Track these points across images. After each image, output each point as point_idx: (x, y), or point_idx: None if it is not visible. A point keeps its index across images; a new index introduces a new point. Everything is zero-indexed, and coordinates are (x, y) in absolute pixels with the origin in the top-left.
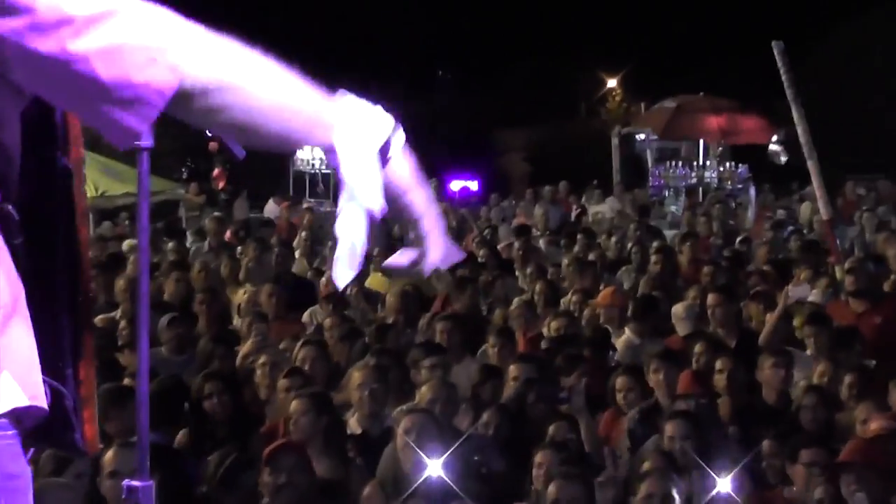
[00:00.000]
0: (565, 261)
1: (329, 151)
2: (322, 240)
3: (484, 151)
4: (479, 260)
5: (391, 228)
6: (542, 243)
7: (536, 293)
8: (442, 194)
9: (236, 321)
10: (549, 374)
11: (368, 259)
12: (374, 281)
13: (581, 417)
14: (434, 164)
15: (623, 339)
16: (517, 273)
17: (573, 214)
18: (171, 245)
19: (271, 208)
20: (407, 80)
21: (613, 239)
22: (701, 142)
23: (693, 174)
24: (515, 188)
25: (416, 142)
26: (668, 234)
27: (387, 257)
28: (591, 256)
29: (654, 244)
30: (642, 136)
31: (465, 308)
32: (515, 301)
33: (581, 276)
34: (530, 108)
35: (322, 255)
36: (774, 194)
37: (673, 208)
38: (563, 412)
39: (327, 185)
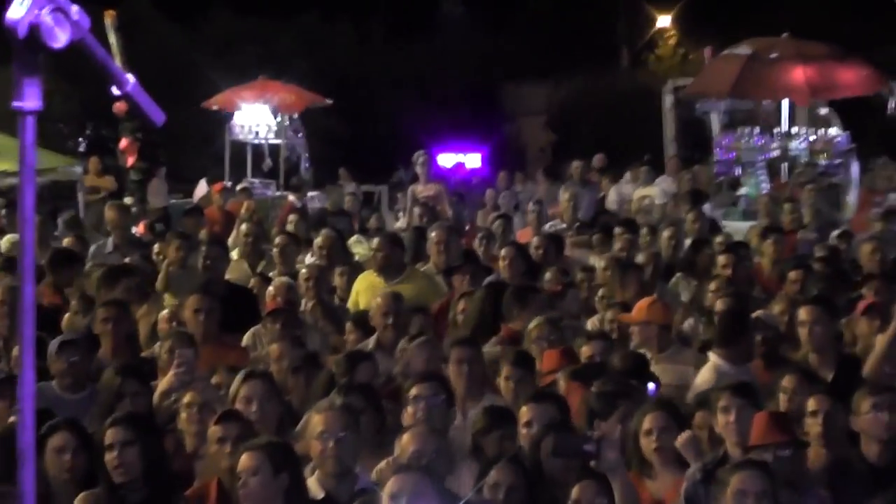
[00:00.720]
0: (600, 263)
1: None
2: (269, 234)
3: (490, 114)
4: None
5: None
6: (567, 241)
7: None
8: (429, 173)
9: (154, 347)
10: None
11: (331, 256)
12: (360, 285)
13: (615, 477)
14: (423, 131)
15: (710, 365)
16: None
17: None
18: (65, 241)
19: (202, 191)
20: (398, 14)
21: (666, 234)
22: (785, 102)
23: (774, 145)
24: (532, 165)
25: (401, 100)
26: (741, 226)
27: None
28: (637, 258)
29: (718, 240)
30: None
31: (470, 327)
32: (535, 319)
33: (622, 284)
34: (553, 55)
35: (269, 255)
36: (888, 172)
37: (746, 191)
38: (592, 469)
39: (276, 161)
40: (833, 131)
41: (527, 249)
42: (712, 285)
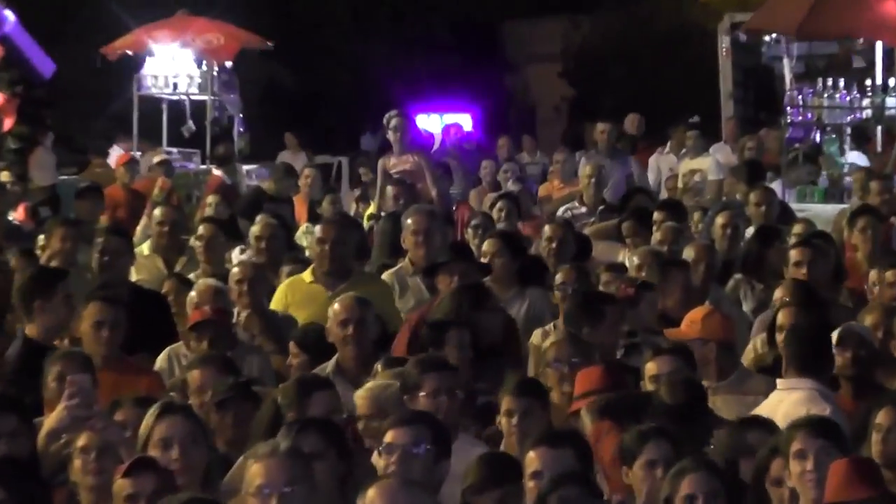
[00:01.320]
0: (633, 260)
1: None
2: (190, 222)
3: (487, 61)
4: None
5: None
6: (588, 231)
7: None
8: (406, 140)
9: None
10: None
11: (273, 251)
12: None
13: None
14: (397, 85)
15: (781, 397)
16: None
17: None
18: None
19: (102, 164)
20: None
21: (721, 220)
22: (878, 45)
23: (865, 102)
24: (543, 129)
25: (368, 43)
26: (823, 210)
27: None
28: (684, 253)
29: (795, 230)
30: (772, 36)
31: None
32: (552, 334)
33: (663, 288)
34: None
35: (190, 249)
36: None
37: (829, 164)
38: None
39: (200, 124)
40: None
41: (520, 242)
42: (780, 290)
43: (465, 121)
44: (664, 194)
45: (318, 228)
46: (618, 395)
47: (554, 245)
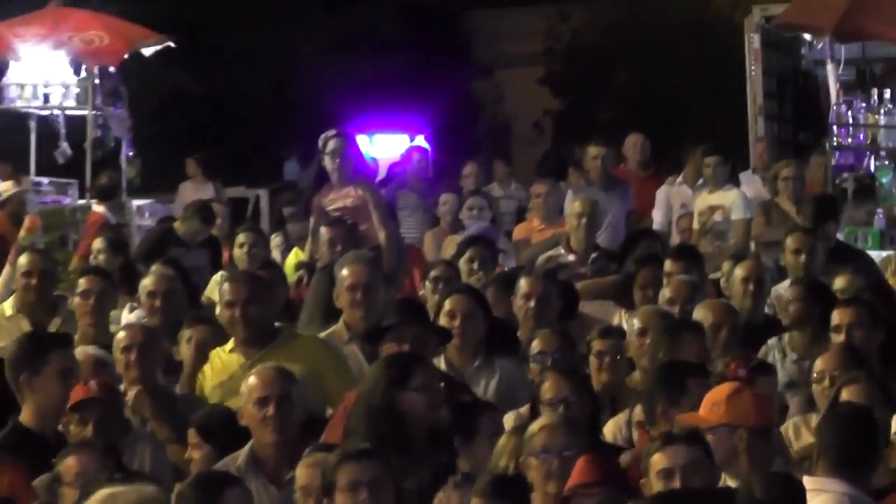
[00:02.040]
0: (634, 323)
1: None
2: (65, 274)
3: (448, 64)
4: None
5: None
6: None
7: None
8: (347, 167)
9: None
10: None
11: (170, 310)
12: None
13: None
14: (334, 97)
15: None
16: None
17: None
18: None
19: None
20: None
21: (739, 273)
22: None
23: None
24: (521, 152)
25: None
26: (878, 258)
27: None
28: (697, 314)
29: (838, 284)
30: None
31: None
32: (543, 417)
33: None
34: None
35: (66, 306)
36: None
37: (886, 197)
38: None
39: (78, 146)
40: None
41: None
42: (821, 360)
43: (419, 142)
44: (676, 237)
45: (225, 287)
46: (681, 492)
47: (532, 304)
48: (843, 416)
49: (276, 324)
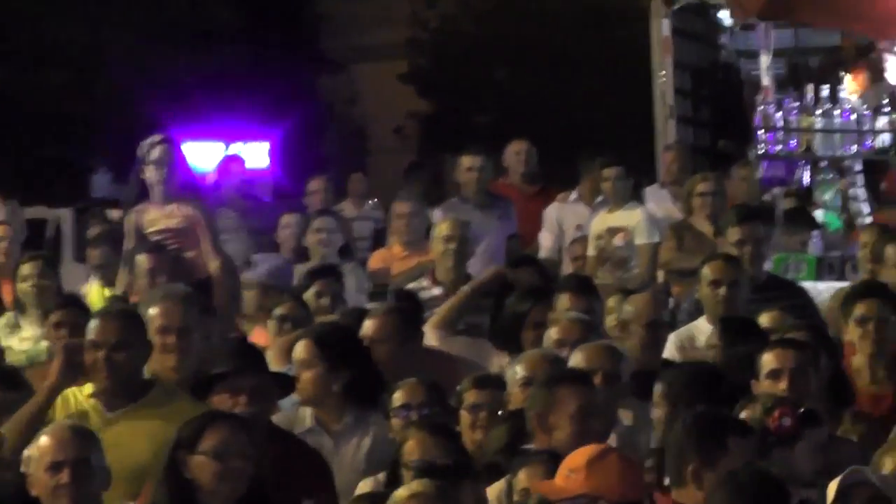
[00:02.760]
0: (517, 370)
1: None
2: None
3: (289, 62)
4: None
5: None
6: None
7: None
8: (170, 181)
9: None
10: None
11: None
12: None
13: None
14: (154, 99)
15: None
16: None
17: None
18: None
19: None
20: None
21: (630, 307)
22: None
23: (881, 123)
24: (379, 164)
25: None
26: (815, 290)
27: None
28: (573, 360)
29: (764, 320)
30: (733, 18)
31: None
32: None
33: (547, 415)
34: None
35: None
36: None
37: (824, 217)
38: None
39: None
40: None
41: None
42: (747, 412)
43: (258, 151)
44: (568, 266)
45: (91, 325)
46: None
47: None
48: (744, 475)
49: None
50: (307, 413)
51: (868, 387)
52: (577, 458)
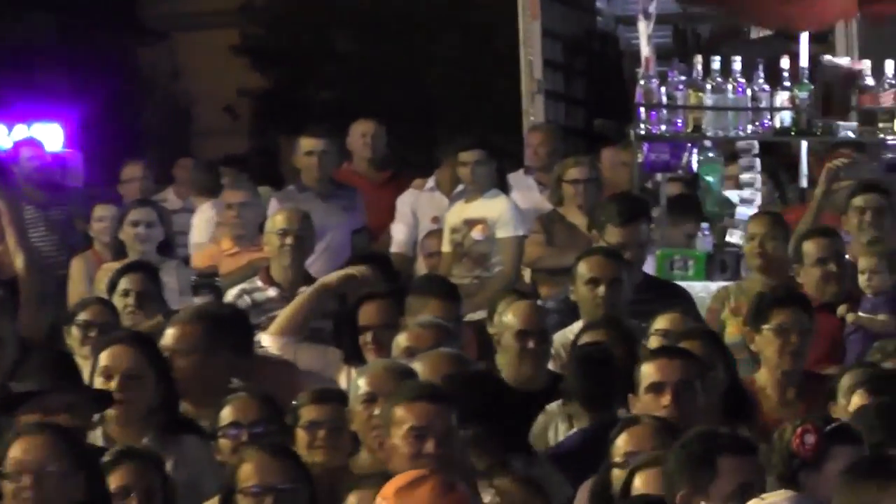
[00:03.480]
0: (359, 385)
1: None
2: None
3: (100, 30)
4: None
5: None
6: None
7: None
8: None
9: None
10: None
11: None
12: None
13: None
14: None
15: None
16: None
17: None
18: None
19: None
20: None
21: (512, 319)
22: None
23: (780, 100)
24: (205, 148)
25: None
26: (702, 289)
27: None
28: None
29: (658, 324)
30: None
31: None
32: None
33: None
34: None
35: None
36: None
37: (709, 207)
38: None
39: None
40: None
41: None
42: (622, 439)
43: (56, 133)
44: (422, 263)
45: None
46: None
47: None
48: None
49: None
50: (98, 433)
51: (775, 410)
52: (391, 485)
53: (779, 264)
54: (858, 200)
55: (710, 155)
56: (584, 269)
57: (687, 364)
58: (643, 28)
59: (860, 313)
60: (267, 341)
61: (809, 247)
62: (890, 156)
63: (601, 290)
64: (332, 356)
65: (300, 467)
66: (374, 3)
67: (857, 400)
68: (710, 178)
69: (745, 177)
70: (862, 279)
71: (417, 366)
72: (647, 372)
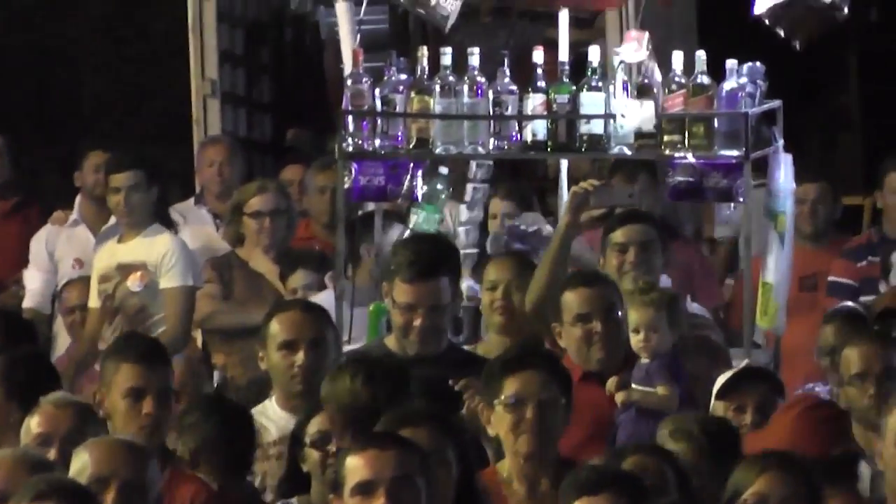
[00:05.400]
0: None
1: None
2: None
3: None
4: None
5: None
6: None
7: None
8: None
9: None
10: None
11: None
12: None
13: None
14: None
15: None
16: None
17: None
18: None
19: None
20: None
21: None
22: None
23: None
24: None
25: None
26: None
27: None
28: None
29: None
30: None
31: None
32: None
33: None
34: None
35: None
36: None
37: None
38: None
39: None
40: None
41: None
42: None
43: None
44: (61, 324)
45: None
46: None
47: None
48: None
49: None
50: None
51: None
52: None
53: (529, 322)
54: (618, 235)
55: (437, 180)
56: (276, 329)
57: (404, 456)
58: (343, 10)
59: (633, 385)
60: None
61: (569, 299)
62: (679, 179)
63: (299, 358)
64: None
65: None
66: None
67: None
68: (422, 213)
69: (467, 214)
70: (634, 339)
71: (84, 456)
72: (354, 466)
